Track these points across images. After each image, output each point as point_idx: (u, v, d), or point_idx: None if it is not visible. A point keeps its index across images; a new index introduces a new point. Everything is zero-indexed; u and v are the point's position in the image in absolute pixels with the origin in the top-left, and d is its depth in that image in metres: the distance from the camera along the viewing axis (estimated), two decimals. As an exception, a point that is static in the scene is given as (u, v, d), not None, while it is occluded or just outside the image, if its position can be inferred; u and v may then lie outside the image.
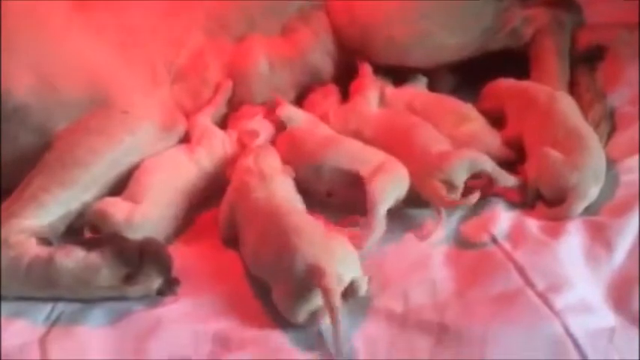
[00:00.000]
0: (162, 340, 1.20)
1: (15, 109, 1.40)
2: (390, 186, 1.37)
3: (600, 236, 1.31)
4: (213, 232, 1.43)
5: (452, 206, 1.38)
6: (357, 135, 1.52)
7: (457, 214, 1.41)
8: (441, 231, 1.36)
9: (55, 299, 1.29)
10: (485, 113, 1.60)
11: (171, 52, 1.59)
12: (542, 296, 1.19)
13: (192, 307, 1.27)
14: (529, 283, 1.22)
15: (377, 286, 1.25)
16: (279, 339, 1.18)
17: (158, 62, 1.58)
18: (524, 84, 1.62)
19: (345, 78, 1.69)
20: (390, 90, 1.64)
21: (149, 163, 1.46)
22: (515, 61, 1.73)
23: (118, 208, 1.37)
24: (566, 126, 1.47)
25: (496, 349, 1.12)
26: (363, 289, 1.20)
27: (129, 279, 1.27)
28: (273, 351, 1.17)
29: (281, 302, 1.20)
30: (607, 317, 1.18)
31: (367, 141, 1.49)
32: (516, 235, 1.34)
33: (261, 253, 1.27)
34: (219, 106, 1.61)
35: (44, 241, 1.35)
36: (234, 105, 1.64)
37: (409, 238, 1.37)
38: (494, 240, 1.33)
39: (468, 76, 1.75)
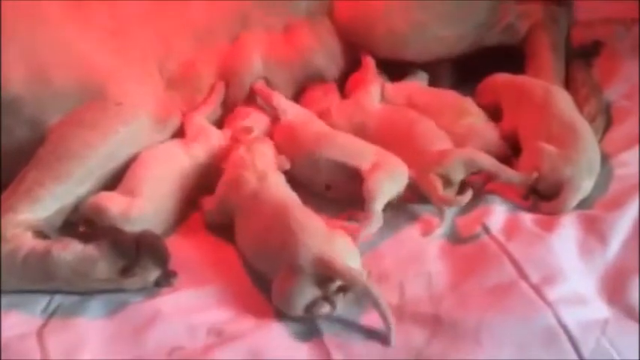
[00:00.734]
0: (159, 332, 1.21)
1: (9, 102, 1.40)
2: (388, 182, 1.37)
3: (594, 229, 1.32)
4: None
5: (446, 204, 1.38)
6: (361, 129, 1.53)
7: (453, 208, 1.41)
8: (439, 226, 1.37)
9: (53, 292, 1.30)
10: (481, 108, 1.61)
11: (161, 49, 1.58)
12: (535, 288, 1.20)
13: (188, 299, 1.28)
14: (523, 276, 1.23)
15: (373, 279, 1.25)
16: (274, 330, 1.19)
17: (150, 55, 1.58)
18: (520, 78, 1.63)
19: (344, 76, 1.71)
20: (389, 85, 1.65)
21: (144, 155, 1.46)
22: (511, 56, 1.74)
23: (113, 203, 1.37)
24: (561, 120, 1.48)
25: (490, 340, 1.13)
26: (362, 282, 1.20)
27: (126, 271, 1.28)
28: (269, 342, 1.18)
29: (280, 296, 1.21)
30: (600, 309, 1.19)
31: (370, 135, 1.51)
32: (511, 227, 1.35)
33: (262, 245, 1.27)
34: (213, 105, 1.60)
35: (40, 234, 1.36)
36: (229, 106, 1.63)
37: (405, 231, 1.38)
38: (488, 233, 1.34)
39: (465, 72, 1.76)
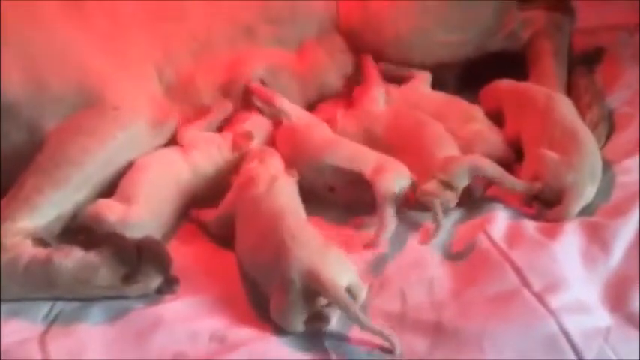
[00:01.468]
0: (161, 338, 1.21)
1: (7, 107, 1.40)
2: (395, 183, 1.38)
3: (597, 237, 1.32)
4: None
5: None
6: (369, 134, 1.54)
7: (455, 215, 1.42)
8: (439, 233, 1.36)
9: (54, 298, 1.30)
10: (484, 114, 1.61)
11: (159, 55, 1.58)
12: (538, 296, 1.20)
13: (190, 306, 1.28)
14: (525, 283, 1.23)
15: (375, 286, 1.25)
16: (276, 338, 1.19)
17: (147, 59, 1.57)
18: (523, 85, 1.64)
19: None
20: (395, 89, 1.65)
21: (141, 162, 1.46)
22: (513, 63, 1.75)
23: (111, 211, 1.37)
24: (563, 126, 1.48)
25: (492, 348, 1.12)
26: (361, 296, 1.20)
27: (128, 278, 1.28)
28: (271, 350, 1.17)
29: (278, 314, 1.20)
30: (603, 317, 1.18)
31: (378, 139, 1.52)
32: (513, 235, 1.35)
33: (257, 254, 1.27)
34: (210, 124, 1.58)
35: (40, 242, 1.36)
36: (230, 114, 1.62)
37: (406, 238, 1.37)
38: (490, 240, 1.34)
39: (469, 78, 1.77)
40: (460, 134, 1.53)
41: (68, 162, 1.41)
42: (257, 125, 1.56)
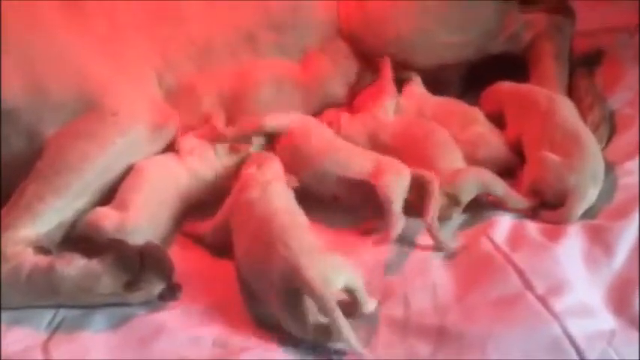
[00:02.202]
0: (164, 344, 1.21)
1: (6, 113, 1.40)
2: (397, 182, 1.38)
3: (600, 239, 1.32)
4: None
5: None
6: (373, 139, 1.54)
7: (457, 219, 1.41)
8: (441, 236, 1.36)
9: (57, 306, 1.30)
10: (485, 116, 1.61)
11: (159, 60, 1.58)
12: (541, 299, 1.20)
13: (192, 312, 1.28)
14: (529, 287, 1.22)
15: (378, 292, 1.25)
16: (279, 343, 1.19)
17: (147, 64, 1.57)
18: (524, 87, 1.64)
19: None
20: (403, 100, 1.64)
21: (139, 166, 1.46)
22: (514, 65, 1.74)
23: (108, 219, 1.36)
24: (565, 129, 1.48)
25: (496, 352, 1.12)
26: (367, 307, 1.19)
27: (130, 286, 1.28)
28: (274, 354, 1.17)
29: (282, 320, 1.18)
30: (607, 320, 1.18)
31: (382, 145, 1.51)
32: (516, 238, 1.34)
33: (250, 258, 1.27)
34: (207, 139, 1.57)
35: (41, 250, 1.36)
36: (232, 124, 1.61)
37: (409, 243, 1.37)
38: (493, 243, 1.33)
39: (470, 80, 1.77)
40: (461, 137, 1.53)
41: (68, 168, 1.40)
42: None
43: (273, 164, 1.44)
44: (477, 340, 1.14)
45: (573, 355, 1.11)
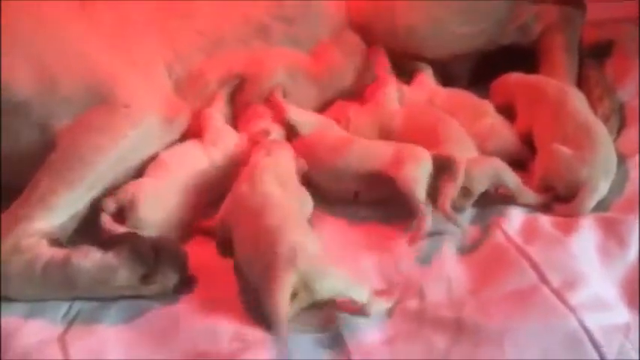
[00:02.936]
0: (181, 337, 1.21)
1: (16, 105, 1.40)
2: (418, 170, 1.37)
3: (613, 232, 1.32)
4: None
5: (446, 216, 1.35)
6: (383, 130, 1.53)
7: (469, 212, 1.41)
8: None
9: (72, 299, 1.30)
10: (495, 108, 1.61)
11: (168, 52, 1.58)
12: (557, 293, 1.20)
13: (209, 305, 1.27)
14: (544, 280, 1.23)
15: (393, 284, 1.25)
16: (297, 337, 1.18)
17: (156, 55, 1.57)
18: (534, 78, 1.64)
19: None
20: (407, 87, 1.64)
21: (163, 157, 1.47)
22: (523, 56, 1.74)
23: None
24: (577, 121, 1.48)
25: (513, 346, 1.12)
26: (370, 311, 1.18)
27: (146, 278, 1.28)
28: (292, 349, 1.17)
29: (275, 317, 1.16)
30: (622, 313, 1.18)
31: (393, 135, 1.51)
32: (529, 231, 1.35)
33: (243, 251, 1.27)
34: (223, 99, 1.59)
35: (55, 242, 1.35)
36: (241, 106, 1.62)
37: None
38: (506, 236, 1.34)
39: (477, 72, 1.77)
40: (473, 130, 1.53)
41: (81, 161, 1.40)
42: (273, 126, 1.55)
43: (283, 151, 1.43)
44: (493, 334, 1.14)
45: (591, 349, 1.11)
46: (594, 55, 1.77)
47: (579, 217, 1.37)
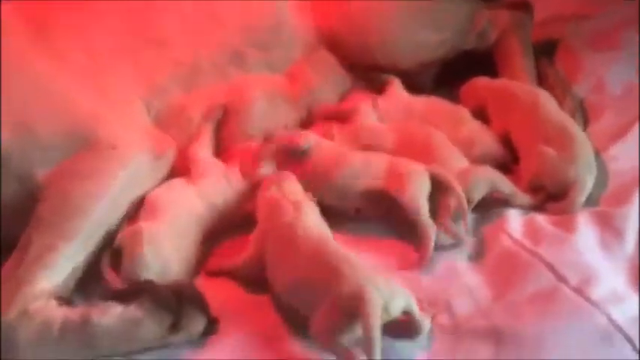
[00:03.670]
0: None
1: None
2: (418, 188, 1.39)
3: (609, 226, 1.39)
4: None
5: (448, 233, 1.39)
6: (372, 149, 1.53)
7: (469, 219, 1.42)
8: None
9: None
10: (468, 113, 1.66)
11: (144, 87, 1.53)
12: (578, 291, 1.25)
13: (235, 346, 1.25)
14: (562, 279, 1.28)
15: (420, 302, 1.25)
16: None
17: (132, 92, 1.52)
18: (502, 82, 1.69)
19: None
20: (381, 99, 1.66)
21: (152, 198, 1.41)
22: (475, 61, 1.80)
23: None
24: (552, 121, 1.55)
25: (555, 348, 1.17)
26: (424, 326, 1.20)
27: (173, 326, 1.23)
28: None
29: (321, 332, 1.19)
30: (636, 303, 1.25)
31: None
32: (532, 232, 1.39)
33: (300, 281, 1.25)
34: (209, 134, 1.55)
35: (63, 300, 1.29)
36: (225, 141, 1.58)
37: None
38: (513, 239, 1.38)
39: (438, 79, 1.81)
40: (456, 136, 1.56)
41: (74, 211, 1.33)
42: (264, 151, 1.53)
43: (291, 183, 1.42)
44: (532, 337, 1.18)
45: (624, 342, 1.17)
46: (541, 54, 1.85)
47: (573, 214, 1.43)
